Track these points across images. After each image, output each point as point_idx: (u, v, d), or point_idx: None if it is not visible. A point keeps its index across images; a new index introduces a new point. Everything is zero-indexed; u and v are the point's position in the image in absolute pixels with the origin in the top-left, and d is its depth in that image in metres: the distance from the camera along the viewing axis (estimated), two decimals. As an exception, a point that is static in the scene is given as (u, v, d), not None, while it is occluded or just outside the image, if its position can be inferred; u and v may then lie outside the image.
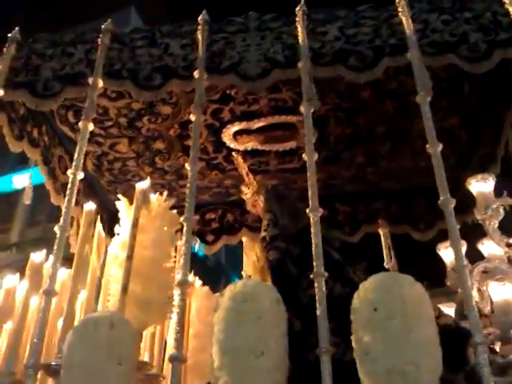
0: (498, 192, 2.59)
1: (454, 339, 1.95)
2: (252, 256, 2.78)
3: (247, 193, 3.06)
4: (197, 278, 2.95)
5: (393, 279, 1.69)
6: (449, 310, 2.60)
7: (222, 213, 3.91)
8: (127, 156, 3.43)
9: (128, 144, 3.32)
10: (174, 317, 1.78)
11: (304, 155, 2.15)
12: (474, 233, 2.57)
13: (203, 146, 3.36)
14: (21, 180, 12.43)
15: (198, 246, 3.79)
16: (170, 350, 2.59)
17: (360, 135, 3.29)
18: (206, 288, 2.93)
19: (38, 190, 2.96)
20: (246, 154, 3.40)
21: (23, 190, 2.85)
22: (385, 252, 3.53)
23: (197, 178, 3.60)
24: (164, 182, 3.61)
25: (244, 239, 3.67)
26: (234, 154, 3.30)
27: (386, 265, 3.42)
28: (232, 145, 3.33)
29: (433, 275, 2.97)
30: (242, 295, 1.68)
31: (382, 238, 3.60)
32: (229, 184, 3.69)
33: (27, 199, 2.71)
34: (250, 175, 3.11)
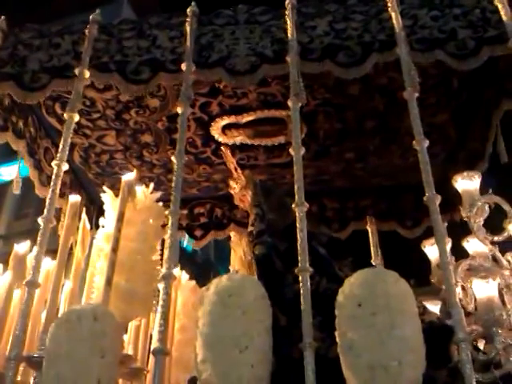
0: (486, 189, 2.60)
1: (438, 336, 1.96)
2: (239, 251, 2.77)
3: (235, 187, 3.05)
4: (183, 272, 2.95)
5: (377, 275, 1.69)
6: (434, 307, 2.61)
7: (211, 207, 3.90)
8: (115, 149, 3.40)
9: (115, 136, 3.30)
10: (159, 310, 1.76)
11: (291, 149, 2.14)
12: (461, 230, 2.58)
13: (191, 140, 3.34)
14: (8, 172, 12.29)
15: (186, 241, 3.79)
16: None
17: (349, 131, 3.29)
18: (193, 282, 2.92)
19: (26, 182, 2.94)
20: (234, 148, 3.39)
21: (11, 182, 2.83)
22: (372, 249, 3.53)
23: (184, 172, 3.63)
24: (152, 176, 3.58)
25: (232, 234, 3.66)
26: (222, 148, 3.29)
27: (372, 262, 3.43)
28: (221, 139, 3.31)
29: (419, 273, 2.99)
30: (227, 289, 1.67)
31: (370, 235, 3.60)
32: (217, 178, 3.67)
33: (16, 189, 2.68)
34: (239, 170, 3.11)
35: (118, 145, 3.37)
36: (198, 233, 3.86)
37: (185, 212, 3.83)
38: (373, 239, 3.53)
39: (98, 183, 3.61)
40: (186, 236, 3.89)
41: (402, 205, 3.73)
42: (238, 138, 3.31)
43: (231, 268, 3.08)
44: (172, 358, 2.45)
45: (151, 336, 2.57)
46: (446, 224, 3.25)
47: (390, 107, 3.09)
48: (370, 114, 3.18)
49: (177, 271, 2.84)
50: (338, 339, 1.65)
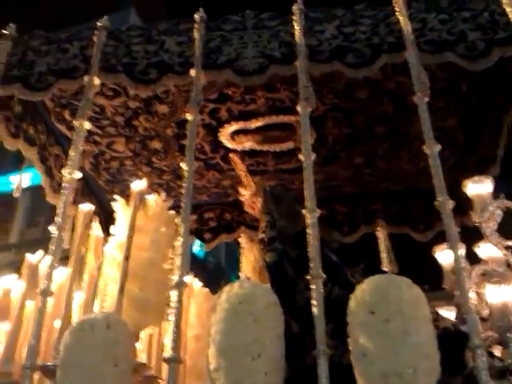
0: (498, 194, 2.57)
1: (453, 342, 1.94)
2: (250, 258, 2.76)
3: (245, 194, 3.04)
4: (196, 279, 2.95)
5: (389, 281, 1.68)
6: (449, 313, 2.59)
7: (220, 212, 3.90)
8: (124, 155, 3.42)
9: (125, 143, 3.31)
10: (172, 318, 1.76)
11: (300, 155, 2.13)
12: (474, 235, 2.56)
13: (200, 146, 3.35)
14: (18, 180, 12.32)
15: (196, 246, 3.79)
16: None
17: (358, 136, 3.28)
18: (206, 290, 2.92)
19: (37, 190, 2.95)
20: (243, 154, 3.39)
21: (22, 190, 2.83)
22: (384, 254, 3.51)
23: (193, 178, 3.64)
24: (161, 182, 3.60)
25: (243, 241, 3.65)
26: (231, 154, 3.29)
27: (384, 267, 3.41)
28: (229, 145, 3.32)
29: (431, 279, 2.96)
30: (238, 297, 1.66)
31: (381, 241, 3.59)
32: (227, 185, 3.67)
33: (17, 192, 2.69)
34: (248, 176, 3.10)
35: (128, 151, 3.38)
36: (206, 236, 3.87)
37: (194, 217, 3.83)
38: (384, 244, 3.51)
39: (108, 190, 3.62)
40: (197, 241, 3.89)
41: (412, 209, 3.71)
42: (247, 144, 3.30)
43: (242, 275, 3.09)
44: (186, 366, 2.45)
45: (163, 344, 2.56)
46: (458, 229, 3.25)
47: (399, 112, 3.08)
48: (379, 118, 3.17)
49: (189, 279, 2.85)
50: (350, 346, 1.64)
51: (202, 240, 3.87)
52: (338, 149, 3.38)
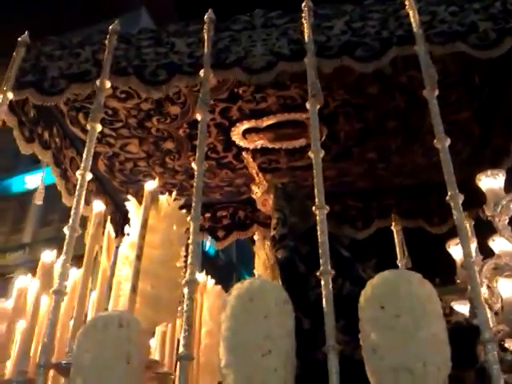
0: (510, 187, 2.55)
1: (465, 337, 1.94)
2: (262, 255, 2.78)
3: (257, 192, 3.06)
4: (209, 276, 2.97)
5: (400, 276, 1.67)
6: (463, 307, 2.57)
7: (234, 210, 3.93)
8: (138, 156, 3.46)
9: (138, 144, 3.35)
10: (184, 315, 1.78)
11: (310, 152, 2.14)
12: (488, 229, 2.54)
13: (213, 145, 3.38)
14: (34, 180, 12.53)
15: (208, 243, 3.81)
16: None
17: (370, 130, 3.27)
18: (219, 287, 2.93)
19: (51, 189, 2.99)
20: (255, 152, 3.40)
21: (36, 190, 2.88)
22: (398, 249, 3.50)
23: (204, 177, 3.64)
24: (175, 182, 3.63)
25: (255, 238, 3.67)
26: (243, 153, 3.30)
27: (398, 262, 3.40)
28: (241, 143, 3.33)
29: (445, 272, 2.95)
30: (248, 294, 1.68)
31: (395, 235, 3.57)
32: (240, 183, 3.69)
33: (39, 200, 2.74)
34: (260, 174, 3.11)
35: (141, 152, 3.43)
36: (220, 233, 3.90)
37: (208, 215, 3.87)
38: (398, 239, 3.49)
39: (123, 191, 3.67)
40: (209, 238, 3.92)
41: (426, 203, 3.68)
42: (259, 142, 3.32)
43: (255, 272, 3.11)
44: (200, 363, 2.47)
45: (178, 341, 2.59)
46: (473, 222, 3.22)
47: (410, 106, 3.06)
48: (390, 113, 3.15)
49: (202, 276, 2.87)
50: (361, 342, 1.64)
51: (216, 238, 3.90)
52: (350, 144, 3.37)
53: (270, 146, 3.36)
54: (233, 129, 3.23)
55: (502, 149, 3.10)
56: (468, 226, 3.19)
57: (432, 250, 3.28)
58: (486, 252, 2.48)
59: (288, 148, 3.39)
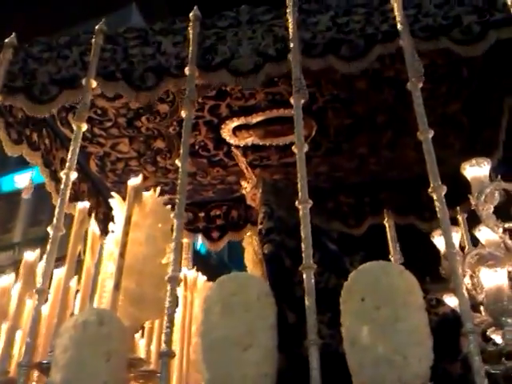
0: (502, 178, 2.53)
1: (452, 329, 1.93)
2: (250, 250, 2.78)
3: (246, 187, 3.06)
4: (199, 273, 2.97)
5: (381, 268, 1.67)
6: (454, 300, 2.56)
7: (227, 209, 3.92)
8: (129, 156, 3.46)
9: (129, 144, 3.36)
10: (166, 313, 1.78)
11: (293, 147, 2.13)
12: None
13: (204, 143, 3.38)
14: (23, 179, 12.47)
15: (199, 242, 3.81)
16: (174, 344, 2.63)
17: (360, 125, 3.26)
18: (210, 284, 2.93)
19: (40, 189, 2.99)
20: (246, 149, 3.40)
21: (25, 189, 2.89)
22: (390, 244, 3.48)
23: (198, 175, 3.66)
24: (167, 181, 3.63)
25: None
26: (233, 148, 3.30)
27: (391, 257, 3.39)
28: (232, 141, 3.33)
29: (438, 269, 2.93)
30: (229, 288, 1.68)
31: (388, 230, 3.56)
32: (232, 180, 3.69)
33: (26, 194, 2.74)
34: (249, 169, 3.11)
35: (132, 152, 3.43)
36: (215, 234, 3.89)
37: (202, 215, 3.87)
38: (390, 233, 3.48)
39: (115, 191, 3.66)
40: (200, 238, 3.92)
41: (418, 198, 3.66)
42: (249, 139, 3.32)
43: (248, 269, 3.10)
44: (190, 360, 2.48)
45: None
46: (465, 215, 3.21)
47: (399, 99, 3.04)
48: (380, 107, 3.14)
49: (192, 273, 2.88)
50: (342, 334, 1.64)
51: (211, 239, 3.88)
52: (340, 139, 3.37)
53: (261, 142, 3.36)
54: (222, 126, 3.23)
55: (491, 141, 3.08)
56: (460, 218, 3.19)
57: (424, 245, 3.26)
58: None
59: (279, 144, 3.39)
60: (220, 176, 3.66)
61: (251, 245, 2.80)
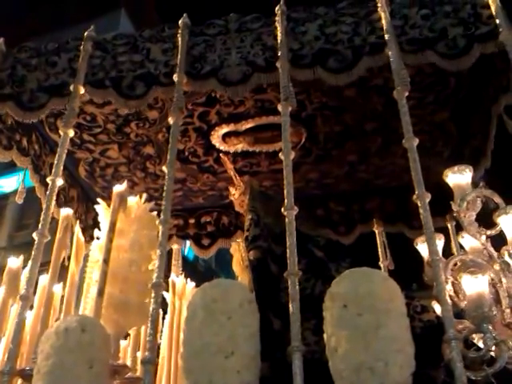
0: (489, 187, 2.54)
1: (437, 335, 1.93)
2: (237, 257, 2.78)
3: (235, 193, 3.06)
4: (188, 279, 2.97)
5: (363, 275, 1.67)
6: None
7: (218, 216, 3.91)
8: (118, 162, 3.46)
9: (118, 150, 3.36)
10: (149, 319, 1.78)
11: (280, 154, 2.14)
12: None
13: (193, 150, 3.39)
14: (9, 183, 12.34)
15: (187, 249, 3.80)
16: (163, 351, 2.62)
17: (349, 133, 3.28)
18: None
19: (27, 193, 2.98)
20: (236, 155, 3.42)
21: (12, 193, 2.89)
22: (380, 250, 3.50)
23: (188, 182, 3.66)
24: (157, 187, 3.62)
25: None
26: (221, 155, 3.31)
27: (380, 263, 3.40)
28: (222, 147, 3.34)
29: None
30: (211, 294, 1.68)
31: (377, 237, 3.57)
32: (222, 186, 3.69)
33: (19, 199, 2.74)
34: (237, 176, 3.12)
35: (122, 158, 3.43)
36: (205, 241, 3.87)
37: (192, 221, 3.87)
38: (380, 240, 3.49)
39: (105, 197, 3.66)
40: (187, 244, 3.91)
41: (408, 205, 3.66)
42: (239, 146, 3.33)
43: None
44: (178, 367, 2.46)
45: (158, 346, 2.59)
46: (454, 223, 3.22)
47: (388, 107, 3.06)
48: (369, 115, 3.16)
49: (181, 280, 2.87)
50: (325, 341, 1.64)
51: (201, 246, 3.87)
52: (330, 147, 3.38)
53: (250, 149, 3.37)
54: (212, 133, 3.24)
55: (479, 149, 3.10)
56: (449, 226, 3.20)
57: (412, 253, 3.27)
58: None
59: (268, 151, 3.40)
60: (210, 182, 3.66)
61: (238, 251, 2.81)
